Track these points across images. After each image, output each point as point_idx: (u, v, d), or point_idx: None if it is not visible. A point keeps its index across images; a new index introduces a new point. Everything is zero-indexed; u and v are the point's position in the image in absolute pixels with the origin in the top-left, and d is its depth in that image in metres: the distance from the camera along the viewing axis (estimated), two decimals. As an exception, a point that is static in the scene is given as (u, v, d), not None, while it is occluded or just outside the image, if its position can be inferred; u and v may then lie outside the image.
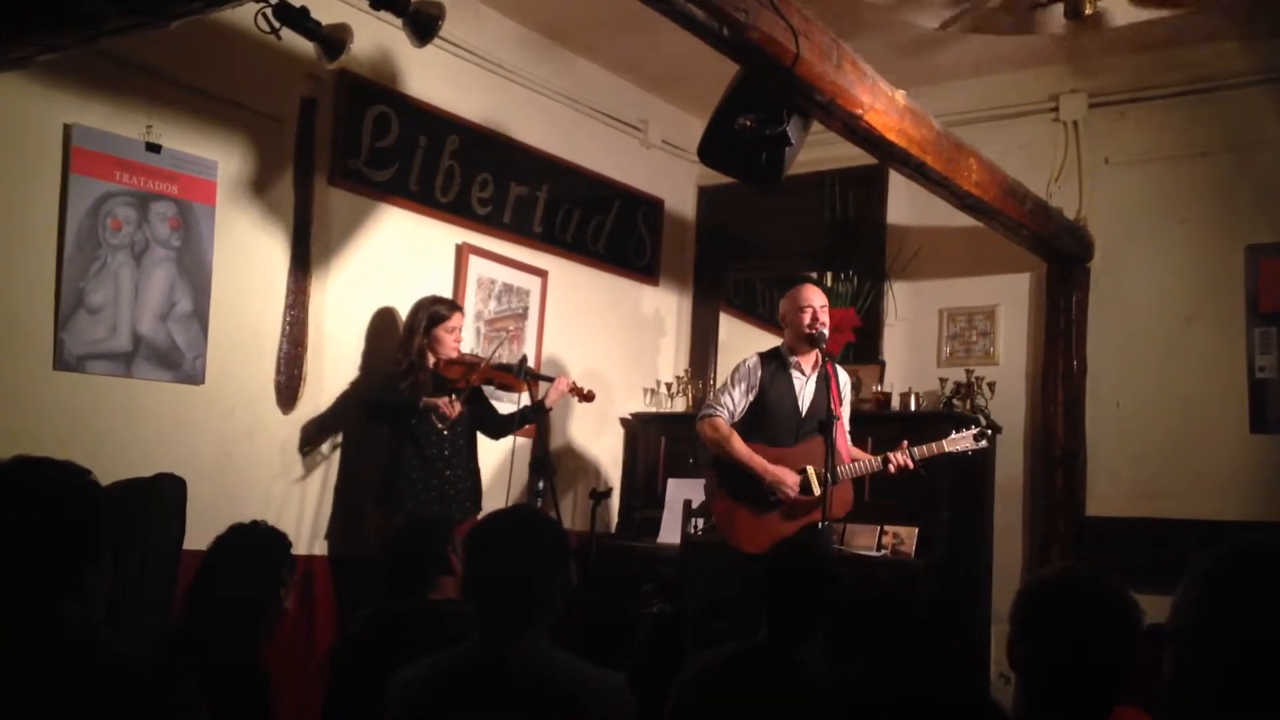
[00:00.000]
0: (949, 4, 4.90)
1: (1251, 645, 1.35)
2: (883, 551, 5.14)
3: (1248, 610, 1.37)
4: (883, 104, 3.82)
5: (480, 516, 4.50)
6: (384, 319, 4.94)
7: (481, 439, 4.87)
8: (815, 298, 4.55)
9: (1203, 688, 1.38)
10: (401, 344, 4.67)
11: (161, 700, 1.67)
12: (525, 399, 4.80)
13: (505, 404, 4.95)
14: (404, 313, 4.82)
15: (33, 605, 1.68)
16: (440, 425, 4.55)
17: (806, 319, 4.48)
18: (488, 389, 4.86)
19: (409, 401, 4.47)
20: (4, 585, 1.69)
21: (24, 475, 1.76)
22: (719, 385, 4.77)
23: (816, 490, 4.35)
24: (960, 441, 4.53)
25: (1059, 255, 5.44)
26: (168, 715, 1.68)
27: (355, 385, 4.82)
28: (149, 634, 3.38)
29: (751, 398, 4.54)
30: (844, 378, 4.72)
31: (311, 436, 4.69)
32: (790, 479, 4.39)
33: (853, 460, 4.48)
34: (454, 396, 4.50)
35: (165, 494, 3.83)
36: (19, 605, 1.68)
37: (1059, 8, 4.74)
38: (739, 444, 4.45)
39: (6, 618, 1.66)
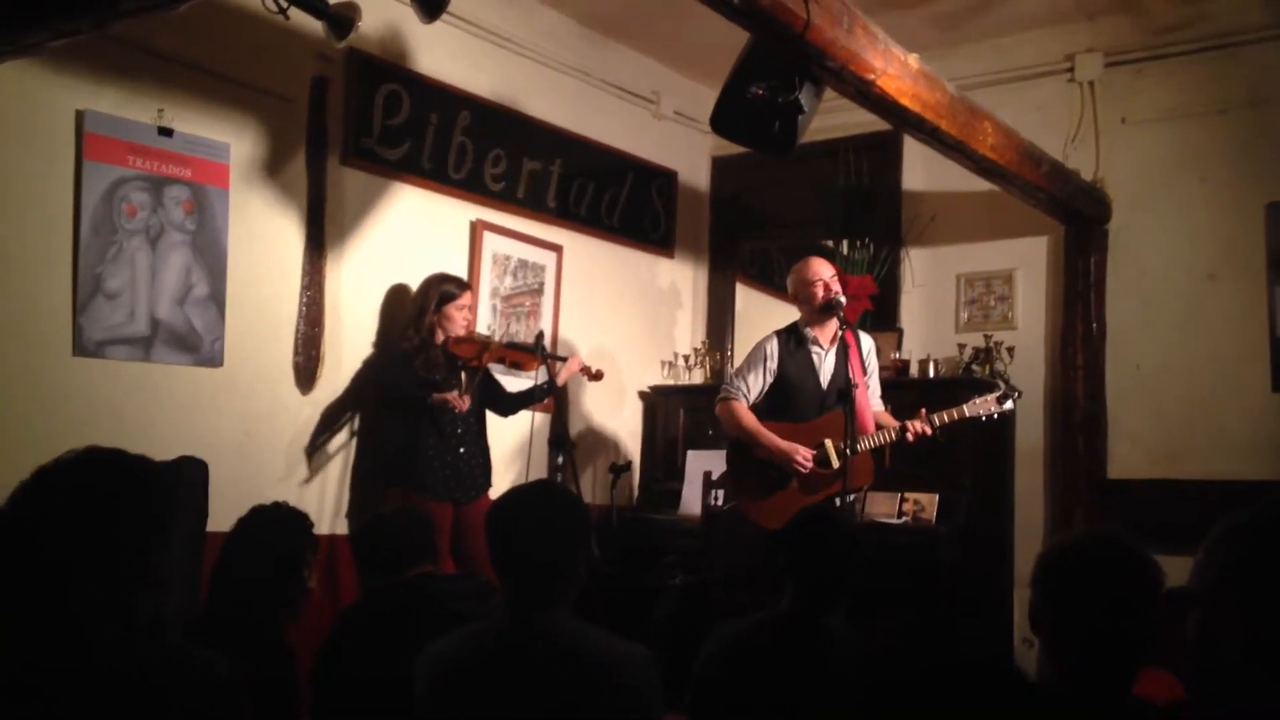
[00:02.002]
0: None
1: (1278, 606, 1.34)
2: (904, 518, 5.14)
3: (1274, 571, 1.36)
4: (895, 69, 3.77)
5: (494, 493, 4.54)
6: (399, 297, 4.94)
7: (490, 417, 4.88)
8: (823, 269, 4.53)
9: (1229, 650, 1.38)
10: (412, 321, 4.67)
11: (217, 707, 1.70)
12: (543, 375, 4.80)
13: (524, 381, 4.94)
14: (419, 291, 4.81)
15: (106, 593, 1.71)
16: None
17: (820, 291, 4.47)
18: (499, 367, 4.86)
19: (419, 396, 4.48)
20: (78, 573, 1.71)
21: (95, 465, 1.79)
22: (736, 367, 4.75)
23: (835, 463, 4.34)
24: (981, 406, 4.49)
25: (1077, 217, 5.38)
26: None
27: (371, 364, 4.83)
28: (176, 617, 3.40)
29: (771, 379, 4.52)
30: (867, 343, 4.68)
31: (330, 416, 4.71)
32: (802, 452, 4.38)
33: (878, 429, 4.47)
34: (468, 378, 4.51)
35: (187, 477, 3.85)
36: (93, 593, 1.70)
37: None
38: (752, 422, 4.46)
39: (81, 606, 1.69)
